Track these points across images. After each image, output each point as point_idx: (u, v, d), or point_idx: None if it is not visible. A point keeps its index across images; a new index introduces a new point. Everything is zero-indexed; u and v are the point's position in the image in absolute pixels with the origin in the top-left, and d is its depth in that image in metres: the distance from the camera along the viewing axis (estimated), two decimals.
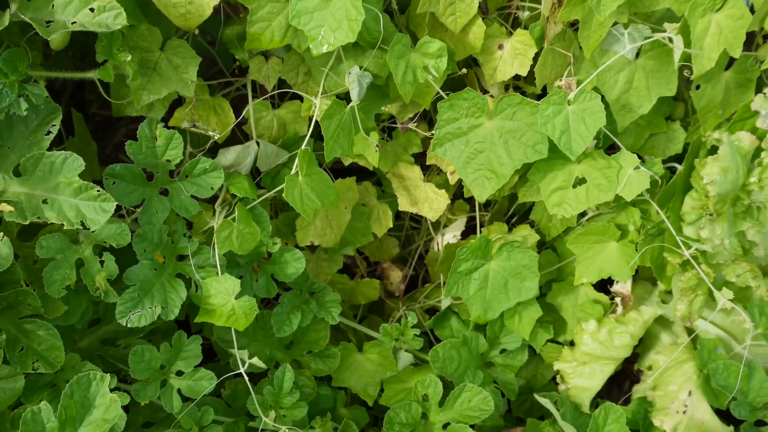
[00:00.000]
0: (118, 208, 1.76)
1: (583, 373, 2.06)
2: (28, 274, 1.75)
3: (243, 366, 1.81)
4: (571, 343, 2.09)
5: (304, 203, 1.73)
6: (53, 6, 1.49)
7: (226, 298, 1.78)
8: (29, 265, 1.78)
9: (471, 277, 1.92)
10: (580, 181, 1.81)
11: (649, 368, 2.10)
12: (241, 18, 1.74)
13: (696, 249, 1.78)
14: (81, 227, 1.59)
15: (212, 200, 1.96)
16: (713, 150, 1.80)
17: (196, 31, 1.70)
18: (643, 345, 2.17)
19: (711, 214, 1.70)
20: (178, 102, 1.87)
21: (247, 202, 1.83)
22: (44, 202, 1.61)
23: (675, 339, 2.09)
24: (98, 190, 1.59)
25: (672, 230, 1.80)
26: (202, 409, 1.87)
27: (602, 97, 1.80)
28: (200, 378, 1.84)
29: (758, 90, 1.84)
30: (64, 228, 1.61)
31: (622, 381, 2.54)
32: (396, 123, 1.95)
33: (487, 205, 2.18)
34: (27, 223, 1.58)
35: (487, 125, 1.75)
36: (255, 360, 1.82)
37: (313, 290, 2.01)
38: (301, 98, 1.87)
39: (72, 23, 1.48)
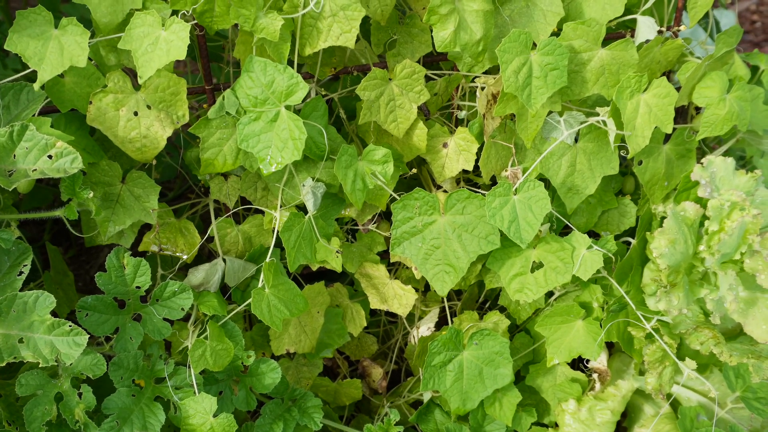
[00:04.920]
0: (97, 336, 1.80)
1: None
2: (10, 413, 1.77)
3: None
4: (556, 425, 2.08)
5: (273, 315, 1.77)
6: (15, 156, 1.57)
7: (204, 418, 1.79)
8: (12, 404, 1.80)
9: (446, 369, 1.94)
10: (538, 266, 1.85)
11: None
12: (198, 143, 1.82)
13: (657, 321, 1.80)
14: (56, 363, 1.62)
15: (188, 318, 2.00)
16: (663, 222, 1.84)
17: (154, 162, 1.79)
18: (629, 418, 2.16)
19: (665, 286, 1.73)
20: (147, 226, 1.93)
21: (219, 318, 1.87)
22: (20, 341, 1.65)
23: (657, 410, 2.07)
24: (70, 325, 1.63)
25: (631, 304, 1.83)
26: None
27: (548, 182, 1.86)
28: None
29: (699, 158, 1.89)
30: (40, 366, 1.64)
31: None
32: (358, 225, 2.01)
33: (458, 293, 2.21)
34: (4, 364, 1.61)
35: (440, 221, 1.81)
36: None
37: (295, 397, 2.02)
38: (263, 212, 1.94)
39: (32, 171, 1.56)
